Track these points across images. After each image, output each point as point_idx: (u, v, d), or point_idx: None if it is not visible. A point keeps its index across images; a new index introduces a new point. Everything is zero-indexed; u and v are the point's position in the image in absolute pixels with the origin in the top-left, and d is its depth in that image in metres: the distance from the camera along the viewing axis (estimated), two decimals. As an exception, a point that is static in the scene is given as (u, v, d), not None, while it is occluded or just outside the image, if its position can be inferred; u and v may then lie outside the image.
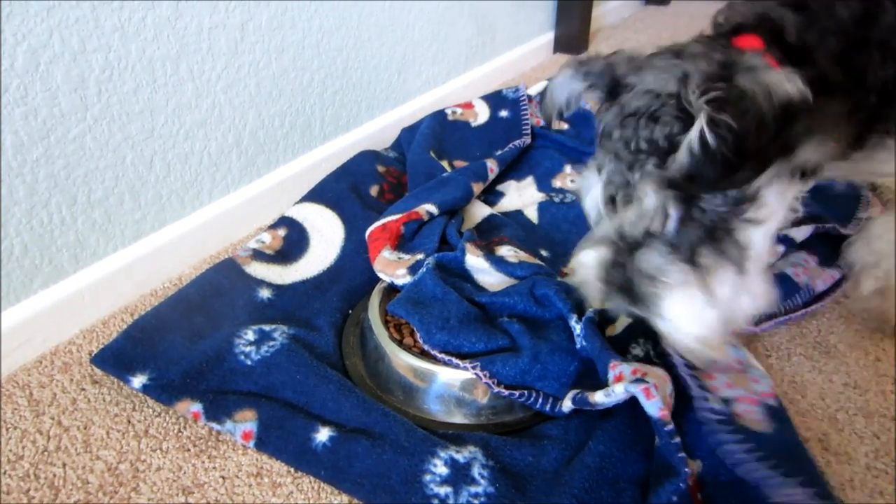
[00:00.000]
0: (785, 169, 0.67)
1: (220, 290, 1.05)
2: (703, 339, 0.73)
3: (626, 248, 0.73)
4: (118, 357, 0.92)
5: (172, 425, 0.88)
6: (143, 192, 1.08)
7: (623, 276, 0.73)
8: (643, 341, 0.95)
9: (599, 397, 0.80)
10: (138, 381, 0.89)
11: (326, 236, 1.20)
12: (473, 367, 0.86)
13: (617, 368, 0.83)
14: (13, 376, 0.94)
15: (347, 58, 1.40)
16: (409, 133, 1.53)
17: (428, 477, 0.78)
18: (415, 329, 0.93)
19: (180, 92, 1.08)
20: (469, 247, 1.06)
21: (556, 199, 1.35)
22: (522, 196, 1.39)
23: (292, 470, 0.82)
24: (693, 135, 0.61)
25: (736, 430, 0.79)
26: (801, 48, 0.70)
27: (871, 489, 0.81)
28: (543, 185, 1.41)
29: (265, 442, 0.84)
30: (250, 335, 0.96)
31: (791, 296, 1.05)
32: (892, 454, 0.85)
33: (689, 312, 0.72)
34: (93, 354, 0.93)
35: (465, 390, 0.88)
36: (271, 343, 0.95)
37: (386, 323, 0.97)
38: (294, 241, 1.19)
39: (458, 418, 0.89)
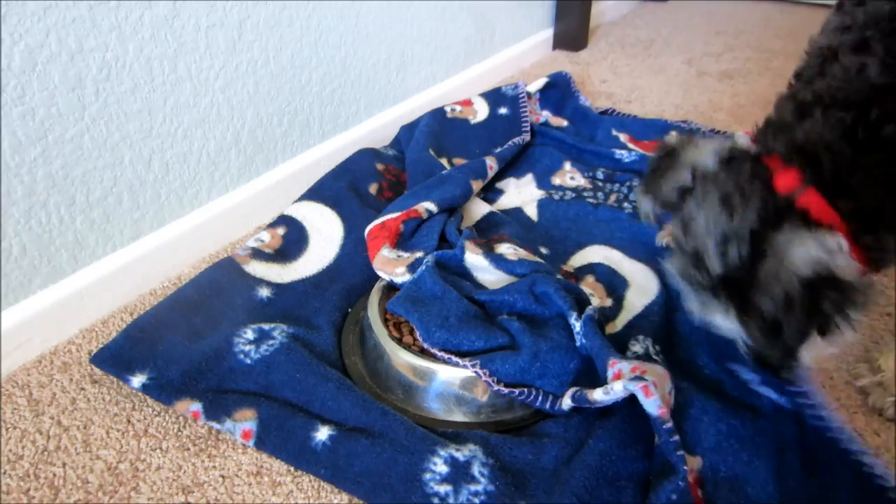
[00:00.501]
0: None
1: (219, 290, 1.05)
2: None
3: None
4: (118, 357, 0.92)
5: (172, 424, 0.88)
6: (142, 191, 1.08)
7: None
8: (643, 338, 0.95)
9: (598, 395, 0.80)
10: (138, 380, 0.89)
11: (326, 235, 1.20)
12: (473, 366, 0.86)
13: (616, 366, 0.83)
14: (13, 376, 0.94)
15: (346, 56, 1.40)
16: (408, 131, 1.52)
17: (428, 475, 0.78)
18: (414, 328, 0.93)
19: (178, 91, 1.08)
20: (468, 244, 1.06)
21: (556, 197, 1.35)
22: (522, 194, 1.38)
23: (292, 469, 0.82)
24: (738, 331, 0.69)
25: None
26: (838, 179, 0.70)
27: (871, 486, 0.81)
28: (543, 182, 1.41)
29: (265, 441, 0.83)
30: (250, 334, 0.96)
31: None
32: (892, 451, 0.85)
33: None
34: (92, 354, 0.93)
35: (465, 389, 0.88)
36: (271, 342, 0.95)
37: (385, 321, 0.97)
38: (293, 240, 1.19)
39: (458, 417, 0.89)
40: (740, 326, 0.69)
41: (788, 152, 0.73)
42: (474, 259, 1.04)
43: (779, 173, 0.72)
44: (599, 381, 0.85)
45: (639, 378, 0.78)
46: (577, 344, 0.90)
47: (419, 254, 1.04)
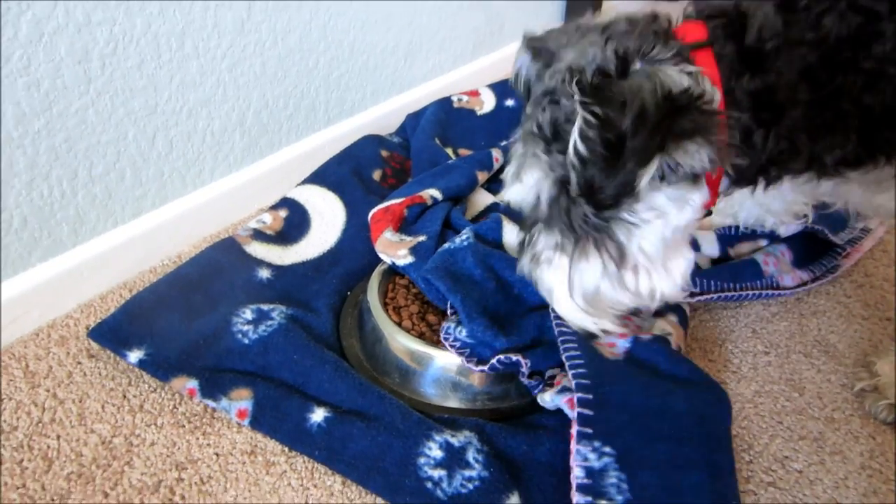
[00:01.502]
0: (682, 174, 0.64)
1: (219, 269, 1.05)
2: (569, 313, 0.78)
3: (527, 224, 0.76)
4: (115, 332, 0.92)
5: (168, 401, 0.88)
6: (145, 168, 1.08)
7: (524, 250, 0.78)
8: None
9: (539, 401, 0.83)
10: (135, 356, 0.89)
11: (327, 219, 1.20)
12: (516, 355, 0.84)
13: (562, 375, 0.84)
14: (10, 348, 0.94)
15: (354, 41, 1.39)
16: (413, 119, 1.52)
17: (422, 460, 0.78)
18: (413, 314, 0.93)
19: (185, 69, 1.07)
20: (504, 218, 1.06)
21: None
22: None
23: (286, 449, 0.82)
24: (574, 133, 0.60)
25: (577, 347, 0.80)
26: (757, 51, 0.66)
27: (865, 489, 0.81)
28: (547, 175, 1.41)
29: (260, 421, 0.83)
30: (248, 314, 0.96)
31: (751, 280, 1.04)
32: (887, 454, 0.85)
33: (558, 292, 0.76)
34: (90, 329, 0.93)
35: (462, 374, 0.88)
36: (269, 323, 0.95)
37: (385, 306, 0.96)
38: (295, 223, 1.19)
39: (454, 402, 0.88)
40: (582, 150, 0.60)
41: (714, 11, 0.70)
42: (512, 233, 1.04)
43: (686, 24, 0.69)
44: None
45: (566, 389, 0.79)
46: None
47: (422, 237, 1.04)
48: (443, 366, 0.88)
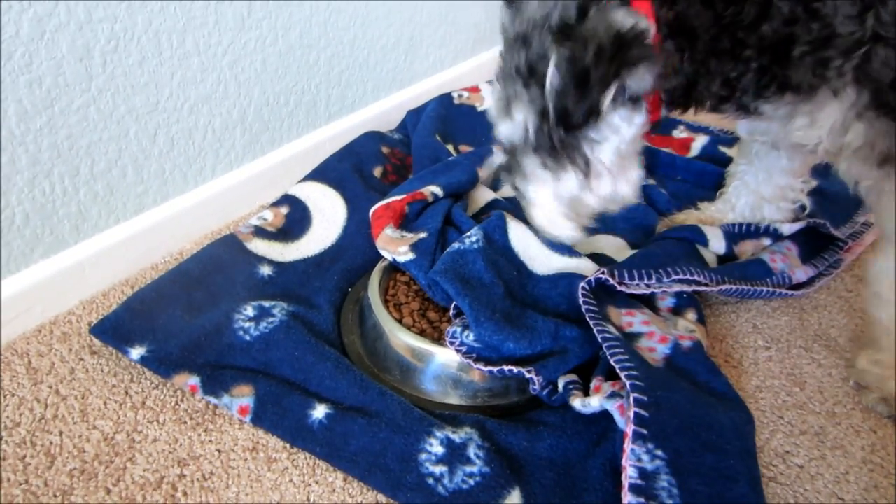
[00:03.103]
0: (629, 97, 0.78)
1: (220, 266, 1.05)
2: (551, 221, 0.93)
3: (514, 152, 0.89)
4: (117, 328, 0.92)
5: (170, 398, 0.88)
6: (146, 165, 1.08)
7: (513, 173, 0.92)
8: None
9: (577, 405, 0.81)
10: (137, 352, 0.89)
11: (328, 216, 1.20)
12: (529, 372, 0.85)
13: (600, 381, 0.83)
14: (12, 344, 0.94)
15: (354, 37, 1.39)
16: (414, 115, 1.52)
17: (423, 456, 0.78)
18: (414, 311, 0.93)
19: (186, 65, 1.07)
20: (508, 215, 1.07)
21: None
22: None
23: (288, 445, 0.82)
24: (550, 66, 0.73)
25: (625, 352, 0.81)
26: None
27: (867, 483, 0.81)
28: (548, 171, 1.40)
29: (261, 417, 0.84)
30: (250, 311, 0.96)
31: (761, 277, 1.05)
32: (888, 448, 0.85)
33: (541, 201, 0.91)
34: (92, 325, 0.93)
35: (463, 371, 0.88)
36: (270, 319, 0.95)
37: (386, 302, 0.97)
38: (296, 220, 1.19)
39: (454, 399, 0.89)
40: (557, 82, 0.73)
41: None
42: (518, 231, 1.04)
43: None
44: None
45: (616, 395, 0.79)
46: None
47: (423, 234, 1.04)
48: (443, 362, 0.88)
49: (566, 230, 0.93)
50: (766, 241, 1.13)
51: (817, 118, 0.82)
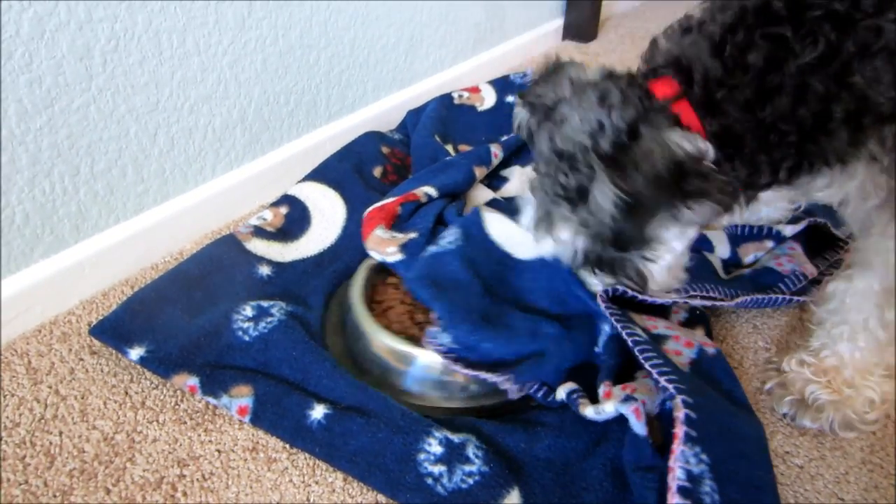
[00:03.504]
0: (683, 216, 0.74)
1: (220, 266, 1.05)
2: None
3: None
4: (116, 328, 0.92)
5: (169, 398, 0.88)
6: (147, 165, 1.08)
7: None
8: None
9: (589, 413, 0.80)
10: (136, 353, 0.89)
11: (328, 216, 1.20)
12: (504, 382, 0.85)
13: (609, 386, 0.83)
14: (12, 344, 0.94)
15: (354, 37, 1.39)
16: (414, 115, 1.52)
17: (422, 456, 0.78)
18: (434, 317, 0.92)
19: (186, 65, 1.07)
20: (484, 208, 1.06)
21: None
22: (526, 181, 1.38)
23: (288, 446, 0.82)
24: (597, 193, 0.72)
25: (657, 355, 0.81)
26: (710, 96, 0.74)
27: (866, 483, 0.81)
28: (548, 171, 1.40)
29: (261, 417, 0.84)
30: (249, 311, 0.96)
31: (774, 284, 1.04)
32: (887, 449, 0.85)
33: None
34: (91, 325, 0.93)
35: (446, 373, 0.88)
36: (269, 319, 0.95)
37: (377, 304, 0.96)
38: (295, 220, 1.19)
39: (437, 402, 0.89)
40: (608, 203, 0.71)
41: (666, 64, 0.78)
42: (493, 220, 1.04)
43: (657, 82, 0.77)
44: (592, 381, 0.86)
45: (630, 398, 0.78)
46: (597, 349, 0.90)
47: (413, 234, 1.04)
48: (426, 365, 0.88)
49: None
50: (769, 244, 1.12)
51: (839, 180, 0.80)
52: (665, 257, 0.82)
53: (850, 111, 0.70)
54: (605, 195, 0.71)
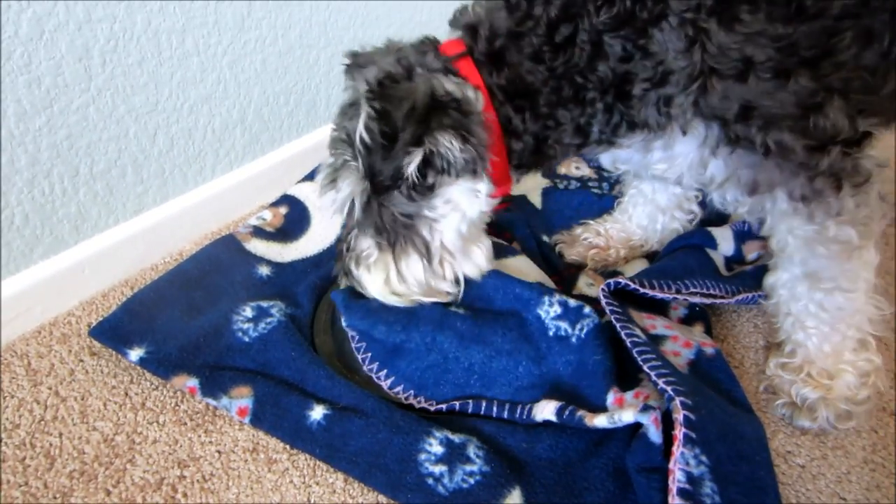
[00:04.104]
0: (461, 167, 0.75)
1: (219, 266, 1.05)
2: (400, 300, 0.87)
3: (347, 232, 0.86)
4: (116, 330, 0.92)
5: (170, 399, 0.88)
6: (146, 165, 1.08)
7: (346, 256, 0.88)
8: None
9: (601, 422, 0.78)
10: (135, 354, 0.89)
11: (328, 216, 1.20)
12: (407, 398, 0.86)
13: (617, 392, 0.82)
14: (12, 345, 0.94)
15: (354, 37, 1.39)
16: (414, 115, 1.51)
17: (423, 456, 0.78)
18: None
19: (185, 65, 1.07)
20: None
21: (561, 186, 1.34)
22: (527, 181, 1.37)
23: (288, 446, 0.82)
24: (360, 123, 0.72)
25: (656, 357, 0.80)
26: (494, 50, 0.77)
27: (868, 483, 0.81)
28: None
29: (260, 418, 0.84)
30: (248, 312, 0.96)
31: None
32: (889, 448, 0.85)
33: (381, 289, 0.85)
34: (91, 326, 0.93)
35: None
36: (269, 320, 0.95)
37: None
38: (295, 220, 1.19)
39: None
40: (366, 138, 0.72)
41: (462, 27, 0.80)
42: None
43: (447, 43, 0.80)
44: (581, 392, 0.85)
45: (649, 407, 0.77)
46: (573, 342, 0.88)
47: None
48: None
49: (406, 302, 0.87)
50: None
51: (672, 155, 0.81)
52: (450, 216, 0.80)
53: (652, 77, 0.72)
54: (363, 125, 0.72)
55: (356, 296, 0.90)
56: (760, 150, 0.72)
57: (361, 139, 0.72)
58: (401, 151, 0.72)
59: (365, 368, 0.89)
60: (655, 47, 0.71)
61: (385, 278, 0.84)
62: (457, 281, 0.86)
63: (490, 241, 0.88)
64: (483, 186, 0.79)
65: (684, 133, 0.76)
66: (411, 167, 0.73)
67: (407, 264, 0.83)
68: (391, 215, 0.79)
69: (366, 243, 0.84)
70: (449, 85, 0.72)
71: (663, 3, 0.69)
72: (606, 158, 0.92)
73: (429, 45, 0.81)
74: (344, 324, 0.90)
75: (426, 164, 0.74)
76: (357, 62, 0.84)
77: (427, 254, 0.82)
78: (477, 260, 0.86)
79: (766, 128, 0.71)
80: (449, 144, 0.72)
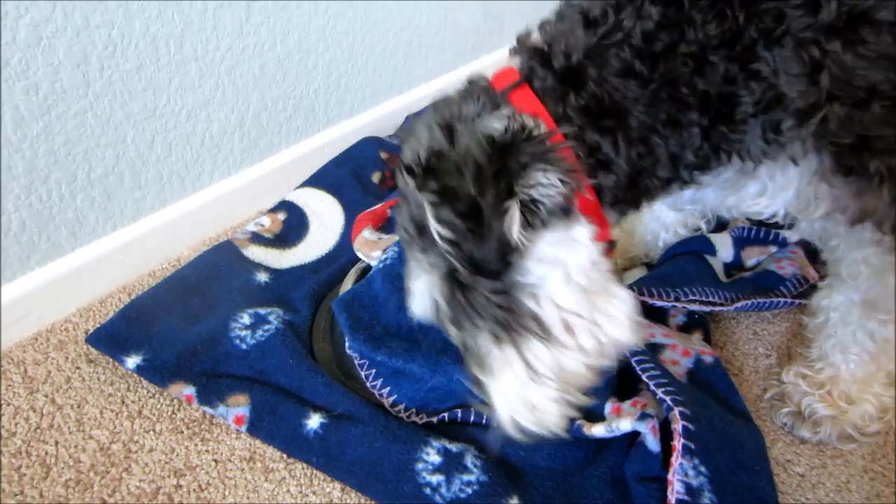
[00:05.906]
0: (548, 212, 0.60)
1: (217, 273, 1.05)
2: (529, 410, 0.65)
3: (463, 341, 0.68)
4: (113, 337, 0.91)
5: (166, 407, 0.87)
6: (144, 171, 1.07)
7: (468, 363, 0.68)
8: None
9: (599, 431, 0.78)
10: (132, 361, 0.88)
11: (326, 222, 1.20)
12: (408, 414, 0.85)
13: (615, 401, 0.82)
14: (8, 352, 0.94)
15: (353, 42, 1.39)
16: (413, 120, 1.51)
17: (420, 465, 0.78)
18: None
19: (183, 71, 1.07)
20: None
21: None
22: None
23: (285, 455, 0.82)
24: (429, 220, 0.58)
25: (655, 366, 0.80)
26: (569, 69, 0.65)
27: (868, 492, 0.81)
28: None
29: (257, 427, 0.83)
30: (246, 319, 0.96)
31: (775, 287, 1.03)
32: (889, 457, 0.85)
33: (504, 390, 0.65)
34: (88, 333, 0.93)
35: None
36: (266, 327, 0.94)
37: None
38: (293, 226, 1.18)
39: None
40: (445, 232, 0.57)
41: (521, 50, 0.71)
42: None
43: (497, 76, 0.68)
44: None
45: (647, 415, 0.77)
46: None
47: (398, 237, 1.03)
48: None
49: (554, 417, 0.65)
50: (773, 249, 1.12)
51: (775, 188, 0.74)
52: (554, 276, 0.62)
53: (759, 101, 0.63)
54: (432, 215, 0.58)
55: (356, 319, 0.90)
56: (875, 178, 0.64)
57: (441, 235, 0.58)
58: (492, 219, 0.57)
59: (368, 385, 0.88)
60: (764, 68, 0.62)
61: (512, 377, 0.64)
62: (601, 349, 0.65)
63: (627, 291, 0.67)
64: (582, 230, 0.63)
65: (796, 163, 0.68)
66: (515, 228, 0.58)
67: (530, 350, 0.63)
68: (483, 301, 0.63)
69: (481, 340, 0.65)
70: (499, 122, 0.59)
71: (781, 22, 0.61)
72: (667, 201, 0.83)
73: (474, 86, 0.68)
74: (347, 347, 0.89)
75: None
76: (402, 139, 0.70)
77: (541, 328, 0.63)
78: (619, 316, 0.65)
79: (879, 154, 0.64)
80: (544, 179, 0.58)
